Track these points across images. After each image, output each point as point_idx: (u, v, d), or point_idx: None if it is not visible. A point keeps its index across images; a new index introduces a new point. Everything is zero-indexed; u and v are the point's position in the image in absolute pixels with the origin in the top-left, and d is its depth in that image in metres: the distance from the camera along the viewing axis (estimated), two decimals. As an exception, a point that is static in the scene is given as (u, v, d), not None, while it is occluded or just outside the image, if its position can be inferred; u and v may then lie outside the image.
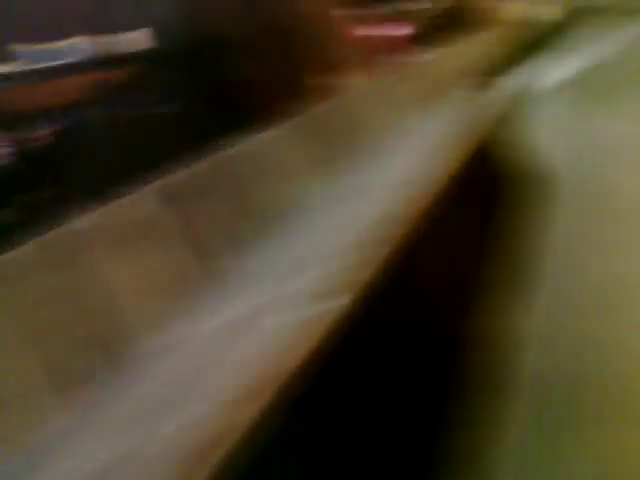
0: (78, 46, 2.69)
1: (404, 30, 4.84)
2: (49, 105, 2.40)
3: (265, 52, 2.72)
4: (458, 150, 1.31)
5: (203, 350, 0.88)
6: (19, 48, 2.53)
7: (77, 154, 2.45)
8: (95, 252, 1.00)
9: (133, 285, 1.03)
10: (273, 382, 0.72)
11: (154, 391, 0.81)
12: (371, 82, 2.23)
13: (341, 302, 0.80)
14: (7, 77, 2.40)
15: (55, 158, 2.40)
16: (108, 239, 1.03)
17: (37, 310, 0.85)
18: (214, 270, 1.17)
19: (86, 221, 1.05)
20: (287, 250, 1.15)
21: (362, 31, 3.42)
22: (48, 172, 2.31)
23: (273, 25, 2.69)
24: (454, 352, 1.16)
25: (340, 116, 1.90)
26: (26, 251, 0.90)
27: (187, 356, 0.88)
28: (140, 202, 1.16)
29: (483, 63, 3.63)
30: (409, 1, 5.50)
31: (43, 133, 2.41)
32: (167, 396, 0.79)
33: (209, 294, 1.09)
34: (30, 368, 0.79)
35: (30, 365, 0.79)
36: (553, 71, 6.25)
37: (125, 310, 0.96)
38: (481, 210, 1.49)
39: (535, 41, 6.28)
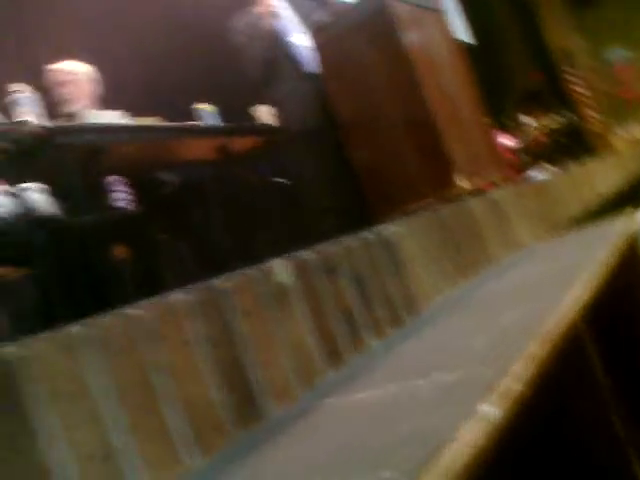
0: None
1: (520, 143, 4.87)
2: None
3: (408, 142, 2.76)
4: (594, 276, 1.24)
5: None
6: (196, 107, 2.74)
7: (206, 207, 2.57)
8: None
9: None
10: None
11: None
12: (501, 191, 2.23)
13: (490, 410, 0.74)
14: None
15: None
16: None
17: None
18: (341, 355, 1.15)
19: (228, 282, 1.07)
20: (419, 348, 1.11)
21: (493, 139, 3.45)
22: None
23: (421, 120, 2.74)
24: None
25: (471, 221, 1.89)
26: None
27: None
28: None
29: (602, 190, 3.57)
30: (528, 114, 5.57)
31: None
32: None
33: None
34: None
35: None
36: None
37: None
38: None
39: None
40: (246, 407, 0.97)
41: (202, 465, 0.79)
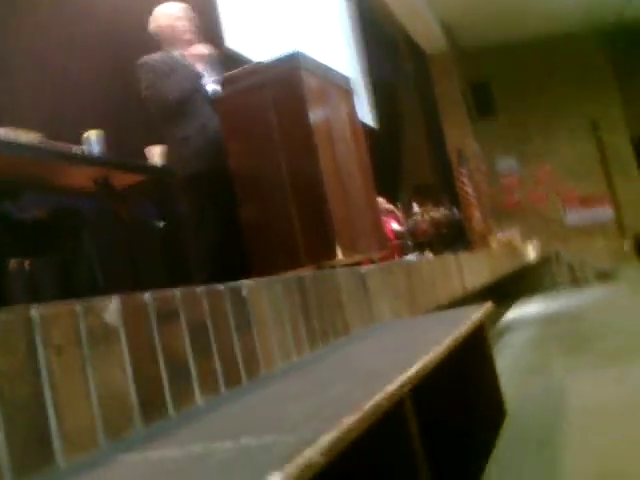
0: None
1: (406, 229, 5.09)
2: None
3: (295, 208, 2.75)
4: (439, 351, 1.26)
5: None
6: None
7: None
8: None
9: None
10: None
11: None
12: (372, 267, 2.27)
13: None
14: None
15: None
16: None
17: None
18: (159, 408, 1.07)
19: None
20: (241, 410, 1.05)
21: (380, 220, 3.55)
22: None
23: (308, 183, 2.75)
24: None
25: (334, 291, 1.89)
26: None
27: None
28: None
29: (469, 282, 3.77)
30: (419, 203, 5.87)
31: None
32: None
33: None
34: None
35: None
36: (523, 306, 6.54)
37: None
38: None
39: (513, 273, 6.61)
40: (34, 452, 0.86)
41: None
